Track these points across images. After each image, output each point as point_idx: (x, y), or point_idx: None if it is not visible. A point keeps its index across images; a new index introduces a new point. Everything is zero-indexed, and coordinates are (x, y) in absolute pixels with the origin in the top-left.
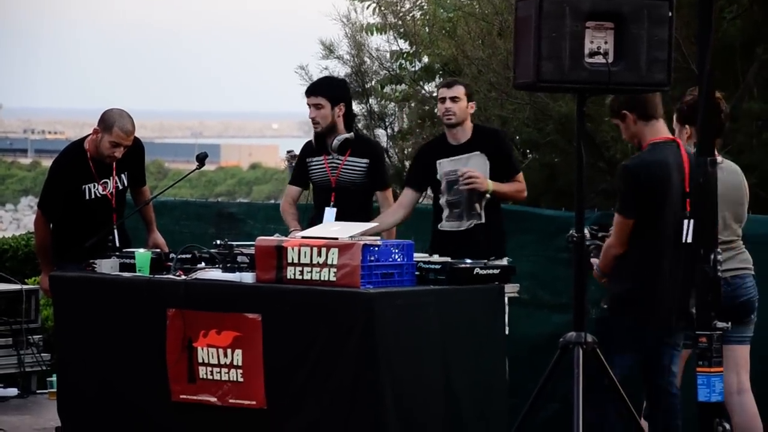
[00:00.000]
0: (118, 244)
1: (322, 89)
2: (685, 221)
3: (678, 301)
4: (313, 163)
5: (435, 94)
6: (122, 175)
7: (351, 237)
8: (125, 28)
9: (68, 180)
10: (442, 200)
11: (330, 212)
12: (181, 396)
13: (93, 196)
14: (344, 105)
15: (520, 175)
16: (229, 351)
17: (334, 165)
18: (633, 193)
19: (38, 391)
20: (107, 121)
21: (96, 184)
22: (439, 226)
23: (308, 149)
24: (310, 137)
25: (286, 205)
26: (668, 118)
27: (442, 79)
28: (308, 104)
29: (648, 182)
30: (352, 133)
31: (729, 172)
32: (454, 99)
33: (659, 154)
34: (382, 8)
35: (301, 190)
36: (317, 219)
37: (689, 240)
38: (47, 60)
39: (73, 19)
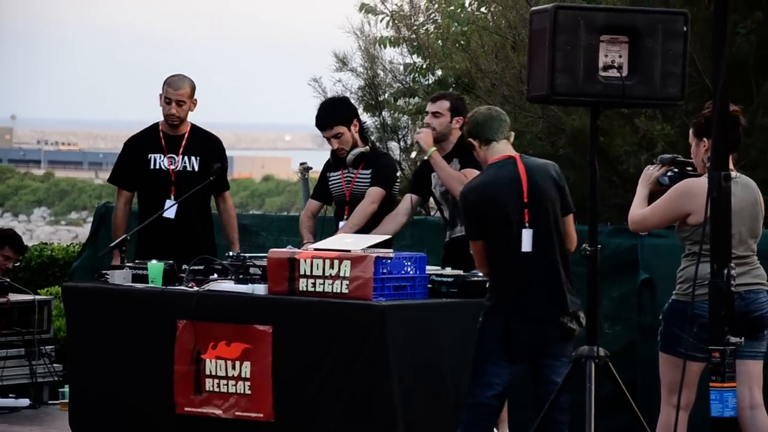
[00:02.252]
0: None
1: (337, 117)
2: (524, 231)
3: (545, 310)
4: (332, 179)
5: None
6: (192, 158)
7: (363, 249)
8: (139, 40)
9: (136, 148)
10: (446, 212)
11: (343, 225)
12: (186, 409)
13: (157, 167)
14: (356, 120)
15: (470, 172)
16: (237, 363)
17: (349, 179)
18: (468, 216)
19: (50, 402)
20: (163, 83)
21: (162, 156)
22: (449, 233)
23: (328, 164)
24: (324, 150)
25: (305, 218)
26: (683, 132)
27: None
28: (327, 137)
29: (478, 203)
30: (367, 147)
31: (744, 187)
32: (435, 114)
33: (491, 174)
34: (396, 21)
35: (321, 205)
36: (334, 233)
37: (528, 249)
38: (62, 72)
39: (88, 31)
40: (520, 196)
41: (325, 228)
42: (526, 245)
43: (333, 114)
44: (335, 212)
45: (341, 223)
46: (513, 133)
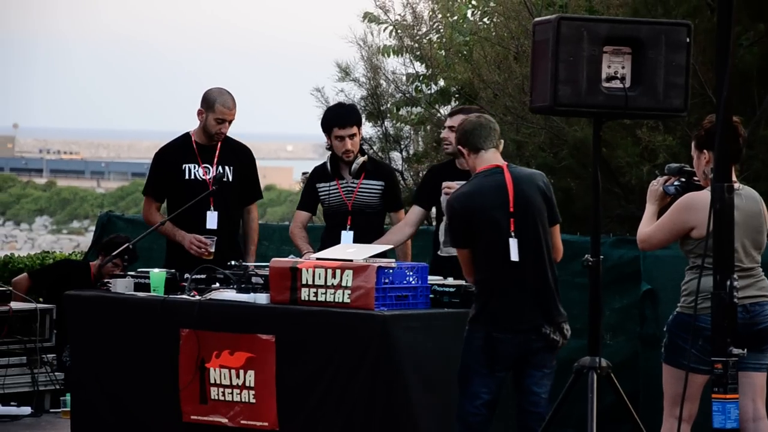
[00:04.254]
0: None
1: (355, 118)
2: (511, 240)
3: (529, 319)
4: (327, 189)
5: None
6: (227, 168)
7: (366, 259)
8: (138, 51)
9: (169, 159)
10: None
11: (347, 235)
12: (192, 417)
13: (192, 177)
14: (360, 129)
15: None
16: (241, 372)
17: (350, 189)
18: (454, 224)
19: (52, 410)
20: (208, 100)
21: (197, 166)
22: (438, 251)
23: (318, 174)
24: (324, 160)
25: (297, 229)
26: (685, 143)
27: (457, 103)
28: (341, 135)
29: (463, 212)
30: (366, 156)
31: (748, 199)
32: (452, 128)
33: (477, 183)
34: (399, 31)
35: (311, 216)
36: (330, 242)
37: (515, 258)
38: (65, 81)
39: (88, 42)
40: (507, 205)
41: (314, 238)
42: (514, 254)
43: (353, 113)
44: (332, 222)
45: (343, 233)
46: (502, 142)
